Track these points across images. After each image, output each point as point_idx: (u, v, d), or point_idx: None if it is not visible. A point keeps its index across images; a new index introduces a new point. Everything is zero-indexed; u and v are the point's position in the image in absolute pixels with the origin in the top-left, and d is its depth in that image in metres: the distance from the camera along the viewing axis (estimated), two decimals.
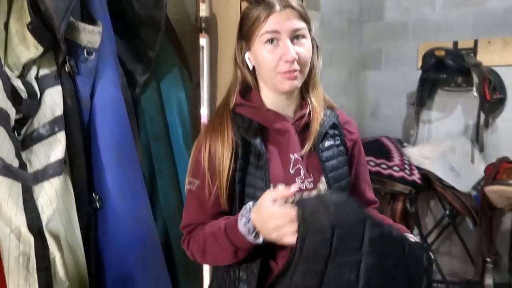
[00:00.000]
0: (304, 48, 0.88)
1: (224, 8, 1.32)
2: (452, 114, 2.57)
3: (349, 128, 1.02)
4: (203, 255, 0.93)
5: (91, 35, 0.94)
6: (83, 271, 0.97)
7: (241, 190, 0.90)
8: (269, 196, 0.80)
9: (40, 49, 0.90)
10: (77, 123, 0.98)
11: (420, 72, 2.47)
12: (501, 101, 2.34)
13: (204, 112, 1.75)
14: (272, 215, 0.79)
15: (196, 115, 1.56)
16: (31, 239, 0.85)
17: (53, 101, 0.94)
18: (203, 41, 1.63)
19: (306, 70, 0.91)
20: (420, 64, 2.49)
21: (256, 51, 0.89)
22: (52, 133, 0.92)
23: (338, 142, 0.98)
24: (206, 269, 1.65)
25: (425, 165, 2.26)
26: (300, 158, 0.92)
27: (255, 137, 0.91)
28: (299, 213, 0.77)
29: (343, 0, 2.74)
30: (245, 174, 0.90)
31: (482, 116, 2.32)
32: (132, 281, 1.06)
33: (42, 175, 0.89)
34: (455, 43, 2.47)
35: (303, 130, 0.95)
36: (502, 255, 2.26)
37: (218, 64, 1.48)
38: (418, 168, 2.25)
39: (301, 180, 0.91)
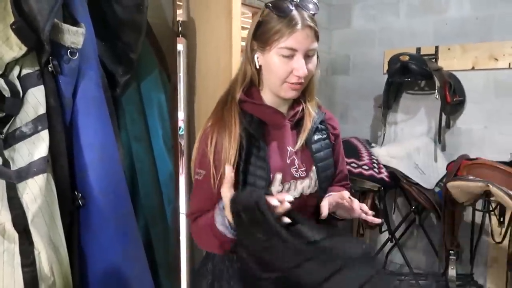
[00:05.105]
0: (313, 65, 0.98)
1: (204, 13, 1.36)
2: (416, 116, 2.72)
3: (333, 123, 1.15)
4: (200, 243, 1.04)
5: (74, 36, 0.95)
6: (66, 268, 0.97)
7: (244, 179, 0.97)
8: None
9: (24, 49, 0.90)
10: (60, 122, 0.99)
11: (386, 76, 2.60)
12: (461, 104, 2.50)
13: (181, 116, 1.78)
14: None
15: (173, 118, 1.58)
16: (15, 235, 0.86)
17: (36, 100, 0.94)
18: (181, 46, 1.66)
19: (307, 81, 1.01)
20: (386, 69, 2.62)
21: (270, 58, 0.96)
22: (35, 131, 0.93)
23: (325, 136, 1.10)
24: (184, 267, 1.68)
25: (393, 164, 2.38)
26: (294, 151, 1.03)
27: (257, 130, 0.99)
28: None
29: None
30: (248, 164, 0.98)
31: (444, 117, 2.47)
32: (115, 278, 1.07)
33: (26, 173, 0.90)
34: (418, 49, 2.63)
35: (295, 126, 1.05)
36: (464, 248, 2.40)
37: (196, 69, 1.51)
38: (385, 166, 2.37)
39: (295, 169, 1.02)
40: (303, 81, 0.97)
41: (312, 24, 0.94)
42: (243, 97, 1.01)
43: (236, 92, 1.02)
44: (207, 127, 1.01)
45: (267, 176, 0.96)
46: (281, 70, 0.95)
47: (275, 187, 0.99)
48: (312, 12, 0.96)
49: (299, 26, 0.92)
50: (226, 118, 0.98)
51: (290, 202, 0.84)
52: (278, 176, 0.99)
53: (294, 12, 0.93)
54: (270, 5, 0.96)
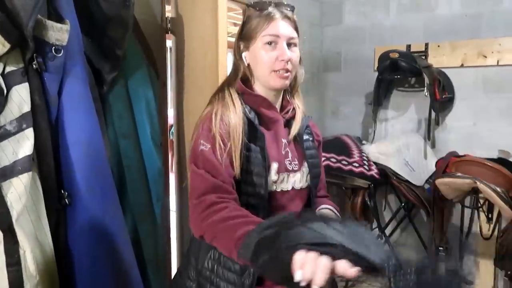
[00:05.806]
0: (296, 54, 1.02)
1: (191, 10, 1.35)
2: (406, 112, 2.74)
3: (316, 131, 1.19)
4: (212, 240, 0.90)
5: (59, 33, 0.94)
6: (53, 267, 0.97)
7: (246, 165, 0.99)
8: None
9: (7, 46, 0.89)
10: (45, 120, 0.98)
11: (376, 73, 2.61)
12: (450, 101, 2.52)
13: (171, 113, 1.77)
14: None
15: (163, 115, 1.57)
16: (0, 234, 0.85)
17: (20, 98, 0.93)
18: (170, 43, 1.66)
19: (294, 73, 1.05)
20: (376, 65, 2.63)
21: (256, 50, 1.01)
22: (20, 129, 0.92)
23: (312, 138, 1.14)
24: (174, 265, 1.68)
25: (383, 161, 2.39)
26: (288, 144, 1.07)
27: (254, 119, 1.02)
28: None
29: (304, 5, 2.85)
30: (249, 150, 0.99)
31: (433, 114, 2.49)
32: (102, 276, 1.06)
33: (10, 172, 0.89)
34: (408, 46, 2.64)
35: (286, 123, 1.09)
36: (453, 244, 2.42)
37: (185, 65, 1.51)
38: (376, 163, 2.39)
39: (289, 162, 1.05)
40: (289, 67, 1.00)
41: (290, 16, 1.02)
42: (241, 88, 1.04)
43: (232, 83, 1.06)
44: (207, 111, 1.01)
45: (266, 163, 0.98)
46: (266, 57, 1.00)
47: (271, 176, 1.01)
48: (289, 10, 1.03)
49: (277, 16, 1.00)
50: (228, 100, 1.01)
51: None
52: (275, 166, 1.01)
53: (272, 8, 1.01)
54: (251, 2, 1.03)
